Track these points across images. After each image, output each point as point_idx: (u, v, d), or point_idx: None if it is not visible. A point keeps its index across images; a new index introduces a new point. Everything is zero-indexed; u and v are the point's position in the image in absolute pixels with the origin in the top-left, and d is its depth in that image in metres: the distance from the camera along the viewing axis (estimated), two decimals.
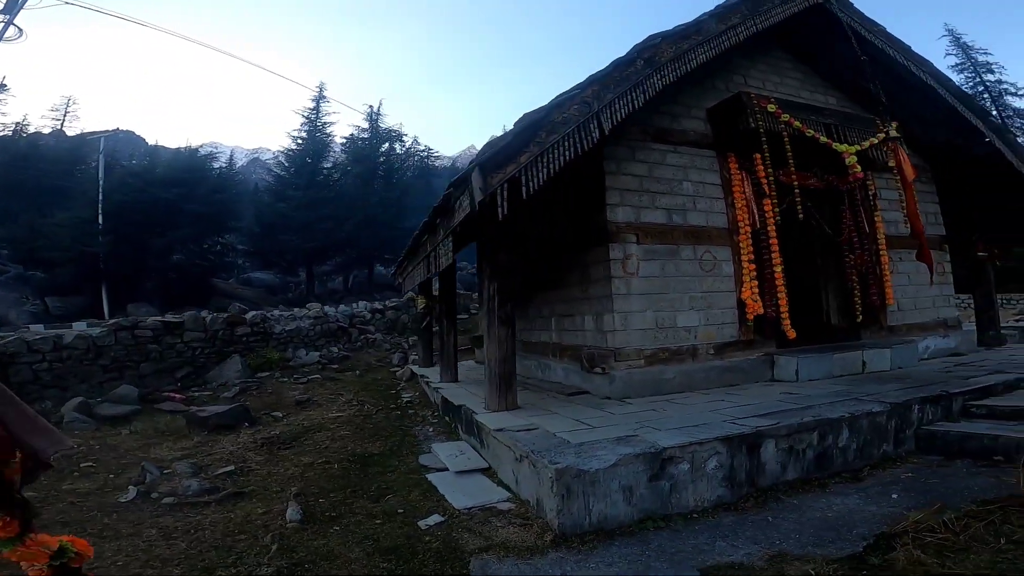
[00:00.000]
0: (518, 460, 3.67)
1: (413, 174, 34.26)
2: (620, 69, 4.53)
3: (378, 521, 3.47)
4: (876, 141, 6.19)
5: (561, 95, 4.23)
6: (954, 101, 6.79)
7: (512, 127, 4.07)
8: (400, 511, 3.62)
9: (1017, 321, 13.55)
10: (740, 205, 6.14)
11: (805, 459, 3.90)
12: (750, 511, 3.43)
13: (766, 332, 6.21)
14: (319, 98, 27.07)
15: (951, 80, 7.05)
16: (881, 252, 7.01)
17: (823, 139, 5.95)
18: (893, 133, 5.60)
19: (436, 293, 9.22)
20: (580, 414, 4.62)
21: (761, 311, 6.06)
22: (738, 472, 3.60)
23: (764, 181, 6.09)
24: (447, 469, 4.43)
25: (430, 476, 4.35)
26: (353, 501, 3.92)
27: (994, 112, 25.15)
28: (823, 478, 3.91)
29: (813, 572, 2.55)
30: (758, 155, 6.03)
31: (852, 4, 6.44)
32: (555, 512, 3.09)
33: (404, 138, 30.89)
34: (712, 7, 5.49)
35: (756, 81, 6.76)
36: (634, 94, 4.53)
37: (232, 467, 4.84)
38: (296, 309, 13.22)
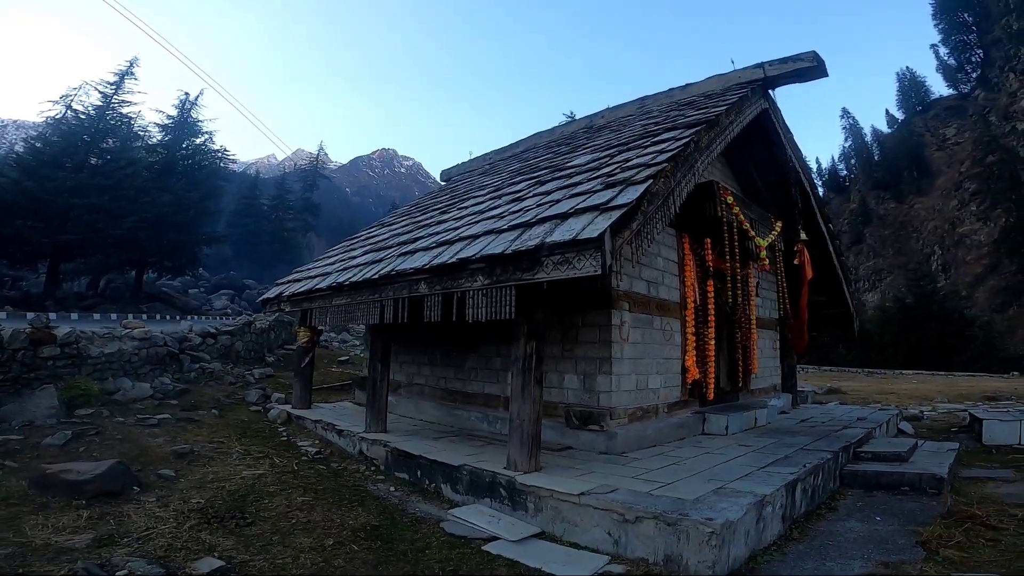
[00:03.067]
0: (631, 522, 3.67)
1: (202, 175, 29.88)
2: (683, 149, 5.05)
3: None
4: (773, 237, 7.83)
5: (656, 168, 4.55)
6: (815, 207, 9.01)
7: (622, 191, 4.23)
8: None
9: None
10: (689, 283, 7.10)
11: (807, 496, 4.71)
12: (801, 540, 4.08)
13: (694, 393, 7.19)
14: (125, 73, 22.11)
15: (817, 188, 9.33)
16: (753, 330, 8.72)
17: (752, 232, 7.30)
18: (803, 236, 7.21)
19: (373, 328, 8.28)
20: (617, 471, 4.74)
21: (698, 376, 7.01)
22: (787, 510, 4.25)
23: (709, 263, 7.19)
24: (497, 538, 4.09)
25: (489, 548, 3.96)
26: None
27: None
28: (814, 510, 4.79)
29: (920, 570, 3.39)
30: (708, 239, 7.12)
31: (779, 110, 8.15)
32: (710, 564, 3.26)
33: (207, 134, 26.83)
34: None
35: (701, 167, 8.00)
36: (691, 172, 5.11)
37: (219, 560, 3.67)
38: (115, 327, 10.28)
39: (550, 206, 4.85)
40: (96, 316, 21.95)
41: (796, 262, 7.41)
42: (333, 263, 8.26)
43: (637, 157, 5.44)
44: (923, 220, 61.34)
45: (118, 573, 3.39)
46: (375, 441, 6.31)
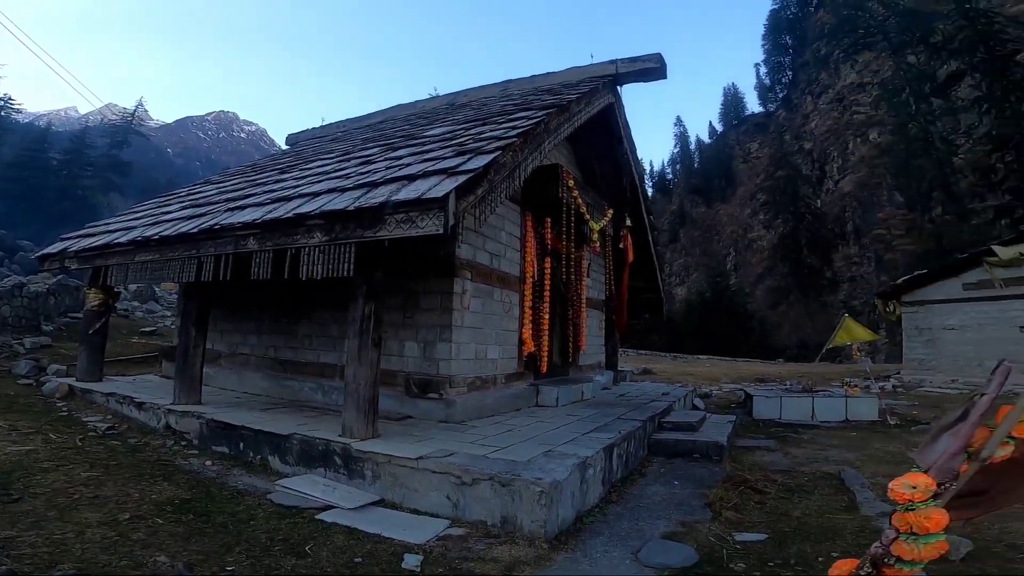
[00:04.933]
0: (468, 484, 3.74)
1: None
2: (534, 127, 5.21)
3: (357, 574, 2.99)
4: (606, 222, 8.50)
5: (506, 141, 4.64)
6: (641, 199, 9.92)
7: (471, 159, 4.23)
8: (358, 559, 3.17)
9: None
10: (529, 259, 7.40)
11: (621, 462, 5.21)
12: (618, 502, 4.49)
13: (529, 365, 7.56)
14: None
15: (644, 181, 10.26)
16: (583, 309, 9.40)
17: (587, 215, 7.82)
18: (628, 222, 7.92)
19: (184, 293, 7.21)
20: (455, 438, 4.78)
21: (533, 349, 7.37)
22: (606, 474, 4.64)
23: (548, 242, 7.57)
24: (333, 507, 3.92)
25: (324, 516, 3.77)
26: (262, 559, 3.13)
27: None
28: (628, 476, 5.27)
29: (709, 528, 3.83)
30: (549, 219, 7.48)
31: (623, 106, 8.73)
32: (541, 523, 3.43)
33: None
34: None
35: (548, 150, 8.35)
36: (539, 151, 5.30)
37: None
38: None
39: (399, 169, 4.71)
40: None
41: (621, 246, 8.16)
42: (140, 218, 7.16)
43: (491, 131, 5.50)
44: (724, 224, 71.27)
45: None
46: (186, 413, 5.63)
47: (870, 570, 1.91)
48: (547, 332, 7.61)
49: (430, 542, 3.43)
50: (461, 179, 3.88)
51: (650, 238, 10.91)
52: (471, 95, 10.06)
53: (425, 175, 4.15)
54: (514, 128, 5.32)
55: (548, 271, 7.67)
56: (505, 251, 6.97)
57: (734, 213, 69.97)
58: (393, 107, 11.33)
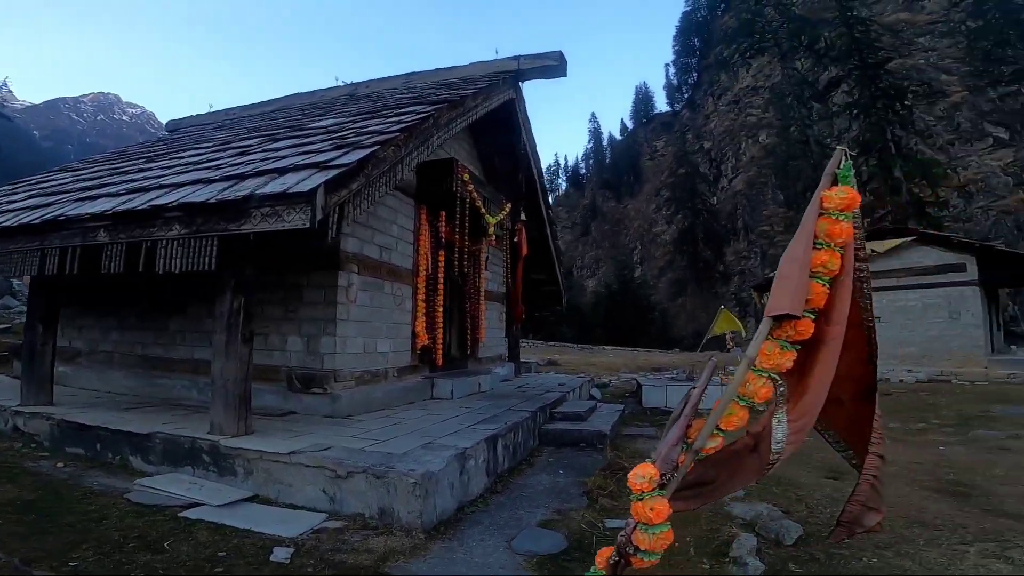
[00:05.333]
0: (343, 478, 3.74)
1: None
2: (422, 122, 5.21)
3: (220, 569, 2.91)
4: (503, 217, 8.68)
5: (387, 136, 4.63)
6: (540, 194, 10.20)
7: (347, 153, 4.19)
8: (222, 554, 3.08)
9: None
10: (423, 252, 7.41)
11: (509, 452, 5.38)
12: (503, 492, 4.61)
13: (424, 359, 7.59)
14: None
15: (543, 177, 10.53)
16: (482, 302, 9.56)
17: (483, 210, 7.95)
18: (523, 217, 8.14)
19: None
20: (337, 432, 4.74)
21: (427, 342, 7.41)
22: (490, 464, 4.76)
23: (443, 235, 7.62)
24: (199, 504, 3.78)
25: (187, 514, 3.61)
26: (112, 555, 2.96)
27: None
28: (516, 466, 5.45)
29: (583, 516, 3.99)
30: (444, 212, 7.53)
31: (524, 101, 8.85)
32: (417, 514, 3.49)
33: None
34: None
35: (448, 144, 8.24)
36: (425, 146, 5.31)
37: None
38: None
39: (273, 161, 4.56)
40: None
41: (515, 240, 8.38)
42: None
43: (377, 125, 5.45)
44: (631, 219, 74.59)
45: None
46: (36, 414, 5.21)
47: (618, 559, 1.98)
48: (441, 325, 7.67)
49: (303, 535, 3.40)
50: (332, 173, 3.83)
51: (549, 232, 11.25)
52: (373, 86, 9.86)
53: (296, 168, 4.06)
54: (400, 123, 5.30)
55: (442, 264, 7.72)
56: (397, 244, 6.94)
57: (640, 208, 73.33)
58: (292, 95, 10.87)
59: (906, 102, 32.50)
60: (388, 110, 6.41)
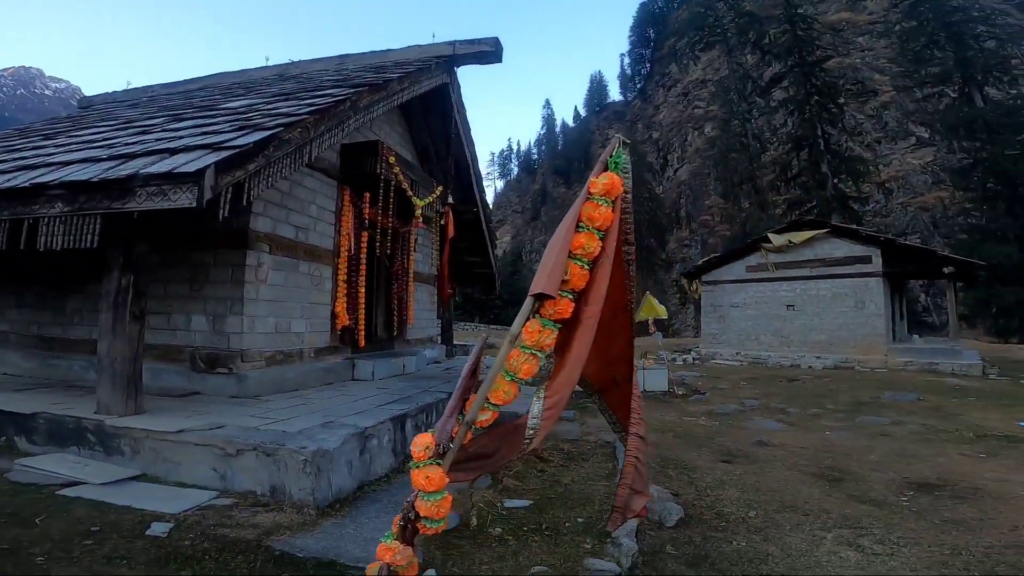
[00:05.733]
0: (233, 455, 3.81)
1: None
2: (336, 105, 5.20)
3: (90, 541, 2.94)
4: (433, 199, 8.75)
5: (289, 116, 4.64)
6: (473, 178, 10.31)
7: (245, 134, 4.18)
8: (95, 528, 3.11)
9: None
10: (345, 233, 7.42)
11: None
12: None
13: (346, 339, 7.64)
14: None
15: (478, 162, 10.61)
16: (410, 283, 9.61)
17: (410, 192, 7.99)
18: (451, 200, 8.24)
19: None
20: (238, 412, 4.78)
21: (348, 322, 7.45)
22: (397, 444, 4.91)
23: (367, 217, 7.64)
24: (82, 483, 3.78)
25: (67, 492, 3.62)
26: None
27: None
28: None
29: (481, 495, 4.10)
30: (368, 194, 7.53)
31: (459, 85, 8.87)
32: (309, 491, 3.60)
33: None
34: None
35: (377, 128, 8.33)
36: (340, 129, 5.32)
37: None
38: None
39: (169, 141, 4.51)
40: None
41: (442, 222, 8.51)
42: None
43: (289, 107, 5.40)
44: None
45: None
46: None
47: (403, 523, 2.06)
48: (364, 306, 7.72)
49: (187, 511, 3.45)
50: (224, 154, 3.83)
51: (482, 216, 11.38)
52: (303, 67, 9.70)
53: (188, 149, 4.03)
54: (312, 105, 5.28)
55: (365, 245, 7.75)
56: (315, 224, 6.92)
57: None
58: (219, 74, 10.56)
59: (839, 100, 34.06)
60: (306, 92, 6.35)
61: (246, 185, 4.08)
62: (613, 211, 2.22)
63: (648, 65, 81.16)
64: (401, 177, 7.72)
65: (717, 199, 49.56)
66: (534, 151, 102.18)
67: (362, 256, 7.71)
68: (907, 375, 13.90)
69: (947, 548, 3.42)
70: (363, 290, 7.71)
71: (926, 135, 39.57)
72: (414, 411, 5.38)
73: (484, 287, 13.57)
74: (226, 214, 3.90)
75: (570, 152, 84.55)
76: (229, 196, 3.92)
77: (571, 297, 2.13)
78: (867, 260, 16.04)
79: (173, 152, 4.03)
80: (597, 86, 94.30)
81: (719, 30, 54.64)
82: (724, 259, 19.11)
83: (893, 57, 41.58)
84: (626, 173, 2.31)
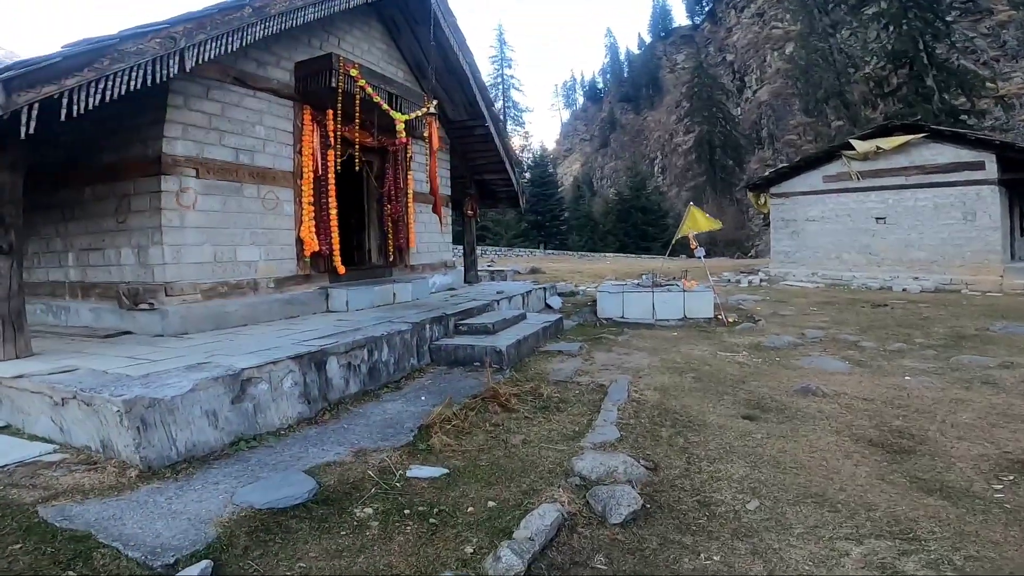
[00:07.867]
0: (60, 404, 3.14)
1: None
2: (224, 12, 4.29)
3: None
4: (420, 114, 7.61)
5: (146, 26, 3.81)
6: (476, 91, 9.09)
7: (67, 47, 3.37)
8: None
9: (489, 266, 19.01)
10: (308, 153, 6.51)
11: (361, 373, 4.71)
12: (328, 422, 3.96)
13: (321, 267, 6.86)
14: None
15: (479, 73, 9.33)
16: (409, 204, 8.60)
17: (385, 106, 6.90)
18: (432, 110, 7.12)
19: None
20: (132, 352, 4.17)
21: (317, 248, 6.64)
22: (312, 388, 4.10)
23: (332, 135, 6.65)
24: None
25: None
26: None
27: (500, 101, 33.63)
28: (376, 389, 4.80)
29: (386, 458, 3.26)
30: (332, 111, 6.53)
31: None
32: (133, 448, 2.89)
33: None
34: None
35: (348, 46, 7.44)
36: (231, 38, 4.43)
37: None
38: None
39: None
40: None
41: (426, 134, 7.44)
42: None
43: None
44: (652, 130, 70.79)
45: None
46: None
47: None
48: (335, 229, 6.89)
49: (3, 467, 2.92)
50: (21, 71, 3.15)
51: (494, 130, 10.09)
52: None
53: None
54: (190, 16, 4.29)
55: (332, 165, 6.80)
56: (264, 145, 6.05)
57: (661, 119, 69.44)
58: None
59: (946, 17, 28.95)
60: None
61: (63, 100, 3.32)
62: None
63: None
64: (370, 91, 6.65)
65: (803, 118, 44.45)
66: (598, 80, 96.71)
67: (330, 177, 6.80)
68: None
69: None
70: (334, 213, 6.85)
71: None
72: (342, 348, 4.50)
73: (511, 206, 12.49)
74: (29, 131, 3.16)
75: (636, 79, 79.88)
76: (31, 113, 3.22)
77: None
78: (979, 166, 13.19)
79: None
80: (661, 12, 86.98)
81: None
82: (796, 169, 16.47)
83: None
84: None
